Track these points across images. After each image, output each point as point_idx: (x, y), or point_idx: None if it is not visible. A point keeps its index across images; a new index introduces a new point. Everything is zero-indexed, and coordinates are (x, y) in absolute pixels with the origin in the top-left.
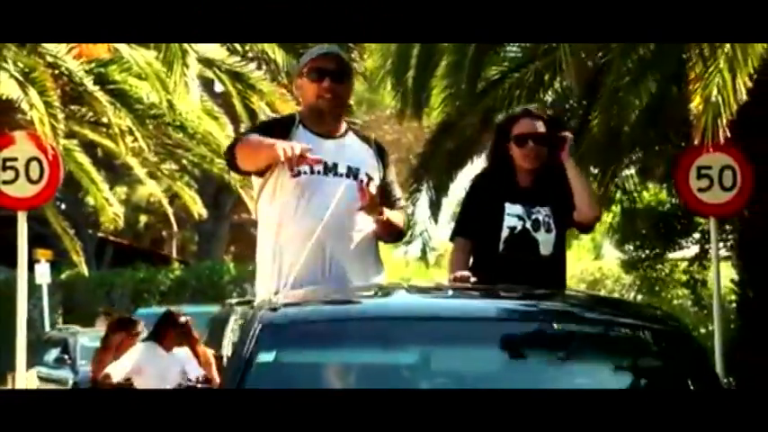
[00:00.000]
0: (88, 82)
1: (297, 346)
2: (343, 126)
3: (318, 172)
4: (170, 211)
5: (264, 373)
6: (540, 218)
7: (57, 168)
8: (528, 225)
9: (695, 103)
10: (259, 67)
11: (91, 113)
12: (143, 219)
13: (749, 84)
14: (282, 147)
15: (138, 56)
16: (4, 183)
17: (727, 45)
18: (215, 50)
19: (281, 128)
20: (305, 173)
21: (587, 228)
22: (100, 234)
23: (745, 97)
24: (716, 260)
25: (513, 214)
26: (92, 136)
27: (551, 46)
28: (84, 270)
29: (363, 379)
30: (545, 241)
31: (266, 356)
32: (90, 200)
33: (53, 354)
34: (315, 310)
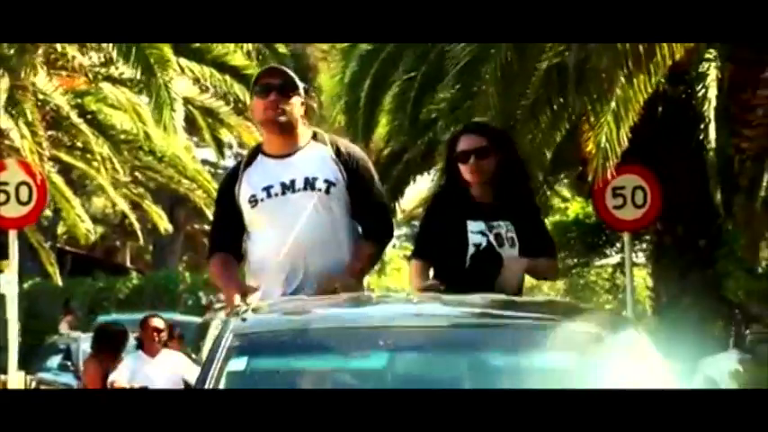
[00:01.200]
0: (73, 115)
1: (267, 355)
2: (305, 138)
3: (276, 194)
4: (137, 225)
5: (236, 382)
6: (502, 233)
7: (44, 191)
8: (491, 240)
9: (589, 149)
10: (227, 103)
11: (66, 138)
12: (98, 230)
13: (629, 134)
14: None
15: (119, 92)
16: None
17: (613, 102)
18: (189, 89)
19: (242, 168)
20: (262, 200)
21: None
22: (58, 245)
23: (626, 143)
24: (629, 269)
25: (476, 231)
26: (66, 158)
27: (480, 88)
28: (59, 280)
29: (333, 386)
30: (509, 257)
31: (237, 365)
32: (48, 212)
33: (56, 360)
34: (285, 319)
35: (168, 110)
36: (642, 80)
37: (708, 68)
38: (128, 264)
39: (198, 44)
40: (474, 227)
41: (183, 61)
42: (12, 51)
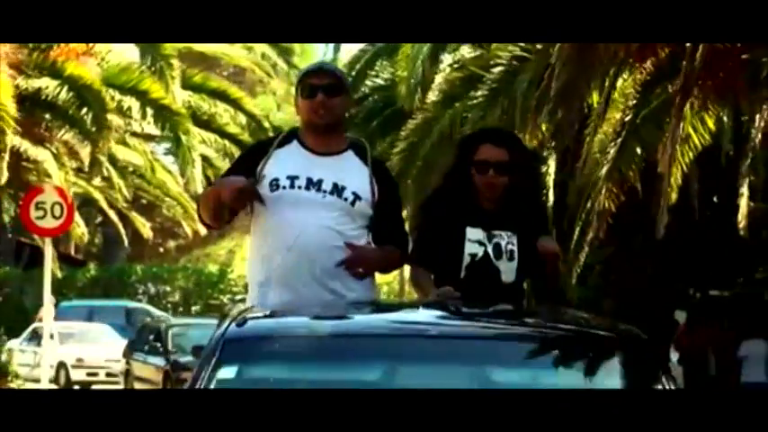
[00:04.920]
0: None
1: (259, 363)
2: (344, 144)
3: (300, 187)
4: (123, 232)
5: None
6: (502, 244)
7: (71, 210)
8: (489, 250)
9: None
10: (217, 152)
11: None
12: None
13: None
14: (221, 189)
15: (135, 140)
16: (37, 218)
17: None
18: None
19: (269, 146)
20: (284, 187)
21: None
22: (18, 238)
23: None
24: None
25: (473, 240)
26: (74, 180)
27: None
28: (58, 272)
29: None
30: (507, 270)
31: (227, 372)
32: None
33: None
34: (280, 325)
35: (190, 167)
36: None
37: (547, 170)
38: (72, 254)
39: (207, 117)
40: (473, 235)
41: (196, 129)
42: (94, 129)
